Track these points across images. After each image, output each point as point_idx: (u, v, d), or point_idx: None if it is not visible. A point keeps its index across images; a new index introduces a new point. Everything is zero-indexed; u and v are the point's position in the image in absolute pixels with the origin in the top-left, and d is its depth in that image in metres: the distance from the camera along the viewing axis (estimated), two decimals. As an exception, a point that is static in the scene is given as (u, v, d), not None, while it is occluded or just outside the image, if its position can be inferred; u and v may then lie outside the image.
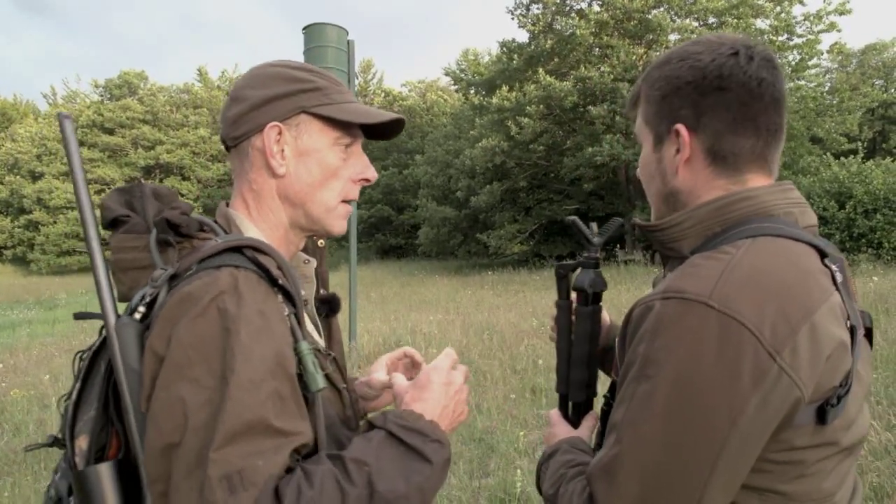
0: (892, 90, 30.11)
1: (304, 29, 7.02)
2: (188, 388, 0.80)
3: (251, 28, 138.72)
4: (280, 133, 1.03)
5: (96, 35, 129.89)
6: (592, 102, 18.97)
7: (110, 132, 38.73)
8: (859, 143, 20.19)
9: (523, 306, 11.12)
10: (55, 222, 36.06)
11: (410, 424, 0.93)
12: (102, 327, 0.92)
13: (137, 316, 0.87)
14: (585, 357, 1.23)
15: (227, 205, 1.09)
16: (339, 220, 1.10)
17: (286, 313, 0.92)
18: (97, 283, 0.89)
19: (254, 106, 1.02)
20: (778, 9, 19.73)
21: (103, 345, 0.92)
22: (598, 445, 1.17)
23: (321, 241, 1.22)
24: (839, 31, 19.39)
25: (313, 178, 1.06)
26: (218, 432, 0.77)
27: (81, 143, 37.82)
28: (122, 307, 0.95)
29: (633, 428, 0.88)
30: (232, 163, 1.09)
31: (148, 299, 0.88)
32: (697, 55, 1.02)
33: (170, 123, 39.58)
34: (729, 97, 0.99)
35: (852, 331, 0.93)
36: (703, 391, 0.84)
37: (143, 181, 1.00)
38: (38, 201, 36.33)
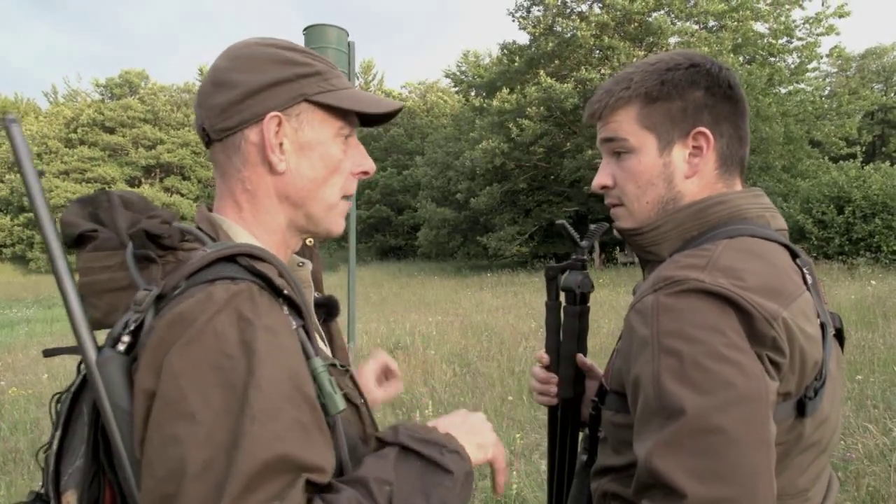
0: (892, 94, 30.15)
1: (304, 30, 7.04)
2: (184, 427, 0.67)
3: (253, 24, 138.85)
4: (280, 124, 0.90)
5: (101, 30, 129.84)
6: (593, 105, 18.95)
7: (111, 131, 38.75)
8: (858, 147, 20.22)
9: (522, 308, 11.12)
10: (55, 221, 36.01)
11: (424, 436, 0.83)
12: (81, 363, 0.81)
13: (122, 347, 0.74)
14: (573, 355, 1.29)
15: (209, 209, 0.96)
16: (339, 218, 1.00)
17: (294, 327, 0.81)
18: (69, 311, 0.76)
19: (248, 93, 0.89)
20: (777, 12, 19.76)
21: (84, 384, 0.81)
22: (585, 450, 1.18)
23: (310, 240, 1.10)
24: (838, 33, 19.46)
25: (316, 173, 0.94)
26: (233, 477, 0.65)
27: (82, 142, 37.86)
28: (100, 335, 0.84)
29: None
30: (215, 159, 0.95)
31: (133, 326, 0.74)
32: (703, 64, 1.05)
33: (170, 123, 39.60)
34: (735, 107, 1.05)
35: (823, 328, 0.97)
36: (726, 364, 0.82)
37: (108, 189, 0.86)
38: (37, 200, 36.31)
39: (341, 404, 0.80)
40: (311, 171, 0.94)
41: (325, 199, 0.97)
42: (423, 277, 20.73)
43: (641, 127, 1.06)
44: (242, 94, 0.89)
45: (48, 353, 0.86)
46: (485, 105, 22.40)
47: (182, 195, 38.28)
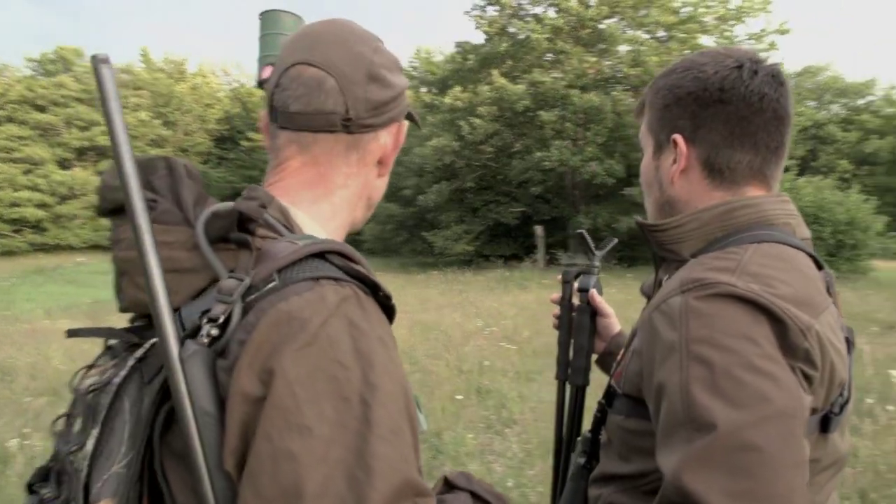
0: (825, 111, 31.62)
1: (260, 15, 6.87)
2: (299, 442, 0.60)
3: (203, 4, 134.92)
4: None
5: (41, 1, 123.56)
6: (543, 108, 19.19)
7: (42, 109, 36.93)
8: (793, 161, 21.08)
9: (468, 307, 11.13)
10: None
11: (494, 491, 0.85)
12: (127, 350, 0.75)
13: (205, 340, 0.65)
14: (586, 347, 1.40)
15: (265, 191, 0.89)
16: None
17: None
18: (151, 293, 0.66)
19: (397, 96, 0.89)
20: (723, 27, 20.41)
21: (129, 377, 0.73)
22: (584, 453, 1.15)
23: None
24: (778, 50, 20.26)
25: (386, 180, 0.98)
26: (369, 502, 0.60)
27: (10, 120, 36.06)
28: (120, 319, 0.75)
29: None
30: (322, 146, 0.87)
31: (222, 318, 0.66)
32: (702, 66, 1.00)
33: (107, 104, 38.01)
34: (728, 110, 0.98)
35: (848, 342, 0.94)
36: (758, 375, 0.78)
37: (169, 156, 0.77)
38: (-41, 178, 34.37)
39: (425, 424, 0.76)
40: (386, 179, 0.97)
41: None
42: (367, 273, 20.50)
43: (647, 129, 1.10)
44: (394, 96, 0.89)
45: (72, 334, 0.78)
46: (436, 102, 22.36)
47: (118, 180, 36.81)
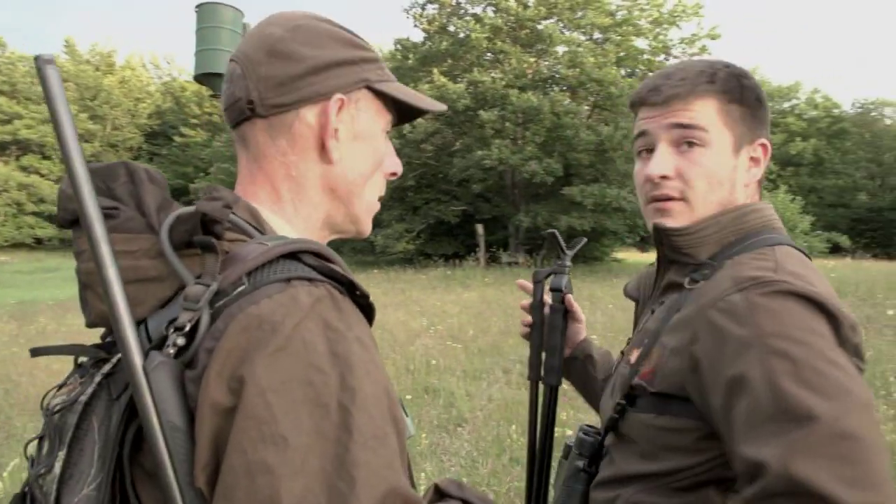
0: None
1: (196, 7, 6.57)
2: (275, 453, 0.57)
3: None
4: (341, 108, 0.83)
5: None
6: (483, 107, 19.27)
7: (-43, 102, 34.87)
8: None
9: (411, 305, 11.06)
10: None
11: (487, 499, 0.84)
12: (94, 367, 0.69)
13: (171, 350, 0.62)
14: (559, 346, 1.38)
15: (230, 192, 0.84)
16: (371, 219, 0.93)
17: None
18: (111, 304, 0.61)
19: (314, 69, 0.81)
20: (657, 30, 20.95)
21: (95, 394, 0.67)
22: (581, 455, 1.14)
23: None
24: (710, 54, 20.91)
25: (365, 168, 0.87)
26: None
27: (-80, 112, 33.86)
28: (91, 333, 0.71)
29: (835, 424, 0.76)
30: (251, 137, 0.83)
31: (188, 326, 0.62)
32: (748, 73, 1.06)
33: (30, 96, 36.14)
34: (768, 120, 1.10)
35: None
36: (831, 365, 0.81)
37: (129, 161, 0.74)
38: None
39: (412, 429, 0.73)
40: (361, 165, 0.87)
41: (366, 197, 0.89)
42: (307, 272, 20.17)
43: (721, 123, 1.02)
44: (307, 69, 0.81)
45: (37, 353, 0.74)
46: (376, 99, 22.20)
47: (42, 175, 34.97)
